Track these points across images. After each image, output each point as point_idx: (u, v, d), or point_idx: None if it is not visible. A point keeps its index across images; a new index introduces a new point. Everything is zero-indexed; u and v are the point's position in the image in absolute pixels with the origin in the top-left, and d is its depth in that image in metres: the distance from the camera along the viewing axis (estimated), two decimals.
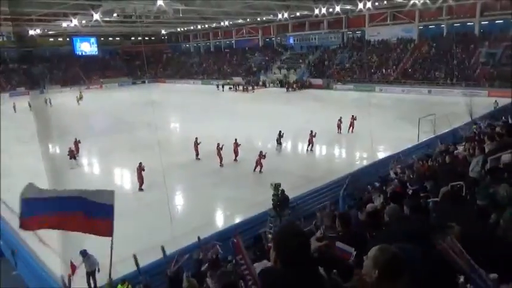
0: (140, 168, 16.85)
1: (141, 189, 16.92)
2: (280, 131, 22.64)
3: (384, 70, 49.31)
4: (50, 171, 17.49)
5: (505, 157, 6.95)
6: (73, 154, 20.73)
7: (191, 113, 36.66)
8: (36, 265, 10.97)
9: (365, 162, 19.27)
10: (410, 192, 7.25)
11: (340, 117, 25.42)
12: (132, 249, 10.42)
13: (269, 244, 9.46)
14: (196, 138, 21.02)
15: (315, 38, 61.83)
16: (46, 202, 4.75)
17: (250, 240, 12.45)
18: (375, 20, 54.84)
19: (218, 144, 19.84)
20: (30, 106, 42.15)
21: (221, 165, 19.66)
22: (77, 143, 22.04)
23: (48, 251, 11.55)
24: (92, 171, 21.92)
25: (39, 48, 68.67)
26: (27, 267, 11.37)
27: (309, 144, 21.94)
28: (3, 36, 68.26)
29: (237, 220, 13.81)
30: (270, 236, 11.97)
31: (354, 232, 4.31)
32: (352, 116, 25.31)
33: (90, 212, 4.74)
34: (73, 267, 9.39)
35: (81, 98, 50.11)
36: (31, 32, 56.49)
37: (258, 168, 18.63)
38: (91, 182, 19.15)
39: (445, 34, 48.65)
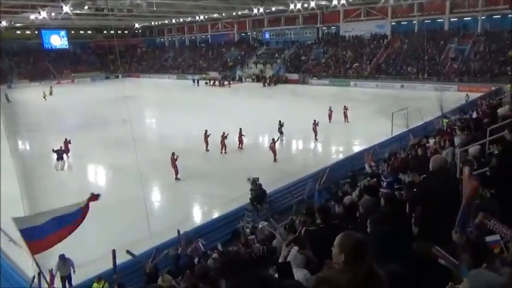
0: (173, 158, 17.14)
1: (177, 179, 17.15)
2: (280, 121, 23.35)
3: (358, 65, 50.06)
4: (20, 170, 16.96)
5: (472, 149, 7.25)
6: (61, 155, 19.54)
7: (167, 108, 36.24)
8: (6, 266, 10.61)
9: (341, 156, 19.58)
10: (384, 184, 7.42)
11: (330, 107, 26.75)
12: (107, 248, 10.25)
13: (248, 237, 9.50)
14: (206, 130, 21.43)
15: (290, 33, 62.04)
16: (42, 227, 5.56)
17: (228, 236, 12.49)
18: (349, 15, 55.54)
19: (223, 133, 20.71)
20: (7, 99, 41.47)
21: (225, 152, 20.74)
22: (67, 143, 20.84)
23: (20, 250, 11.17)
24: (70, 172, 21.35)
25: (6, 41, 65.86)
26: None
27: (315, 134, 22.62)
28: None
29: (216, 215, 13.79)
30: (247, 230, 12.04)
31: (334, 225, 4.38)
32: (345, 106, 26.53)
33: (69, 221, 5.81)
34: (52, 277, 9.14)
35: (50, 93, 48.65)
36: None
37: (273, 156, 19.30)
38: (65, 181, 18.67)
39: (416, 30, 49.83)
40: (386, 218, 3.79)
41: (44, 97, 44.86)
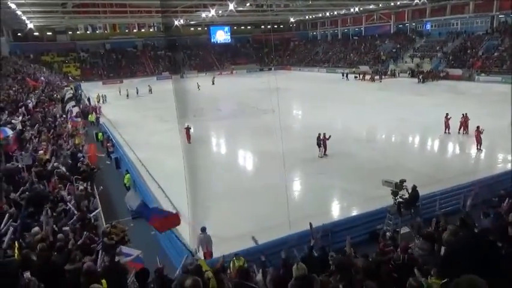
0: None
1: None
2: None
3: None
4: (184, 147, 19.61)
5: None
6: (319, 143, 19.72)
7: (313, 101, 36.76)
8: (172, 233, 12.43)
9: (510, 166, 16.76)
10: None
11: None
12: (249, 228, 11.11)
13: (385, 243, 9.01)
14: (447, 113, 22.24)
15: (456, 23, 55.48)
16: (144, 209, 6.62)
17: (366, 236, 12.08)
18: None
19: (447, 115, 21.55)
20: (150, 91, 48.54)
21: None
22: (325, 139, 19.66)
23: (180, 218, 13.00)
24: (218, 151, 23.88)
25: (182, 37, 76.54)
26: None
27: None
28: (154, 26, 78.13)
29: (353, 213, 13.52)
30: (388, 234, 11.41)
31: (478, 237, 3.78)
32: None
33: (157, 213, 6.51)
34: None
35: (213, 82, 54.89)
36: (176, 23, 63.30)
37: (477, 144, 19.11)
38: (214, 158, 20.83)
39: None
40: None
41: (198, 88, 49.34)
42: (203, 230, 10.65)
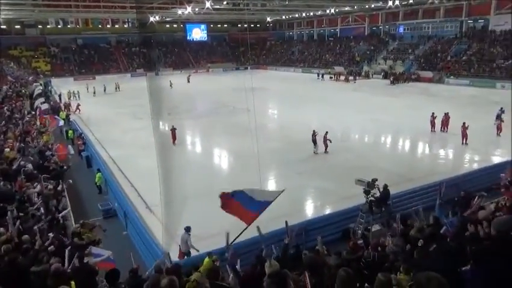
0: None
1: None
2: (501, 108, 22.44)
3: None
4: (158, 145, 19.28)
5: None
6: (315, 141, 20.09)
7: (289, 100, 37.01)
8: (142, 229, 12.27)
9: (476, 166, 17.41)
10: None
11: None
12: (224, 227, 11.02)
13: (355, 241, 9.16)
14: (433, 113, 23.00)
15: (428, 27, 57.10)
16: (245, 198, 7.27)
17: (339, 234, 12.27)
18: (504, 6, 48.21)
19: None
20: (117, 88, 48.25)
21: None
22: (326, 138, 20.04)
23: (153, 218, 12.84)
24: (193, 150, 23.68)
25: (157, 33, 75.32)
26: (135, 229, 12.81)
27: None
28: (129, 22, 76.52)
29: (327, 211, 13.70)
30: (359, 232, 11.65)
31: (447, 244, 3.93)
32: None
33: (253, 209, 7.04)
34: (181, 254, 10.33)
35: (188, 81, 54.26)
36: (151, 19, 62.18)
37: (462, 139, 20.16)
38: (190, 159, 20.68)
39: None
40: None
41: (171, 85, 48.55)
42: (186, 229, 10.55)
